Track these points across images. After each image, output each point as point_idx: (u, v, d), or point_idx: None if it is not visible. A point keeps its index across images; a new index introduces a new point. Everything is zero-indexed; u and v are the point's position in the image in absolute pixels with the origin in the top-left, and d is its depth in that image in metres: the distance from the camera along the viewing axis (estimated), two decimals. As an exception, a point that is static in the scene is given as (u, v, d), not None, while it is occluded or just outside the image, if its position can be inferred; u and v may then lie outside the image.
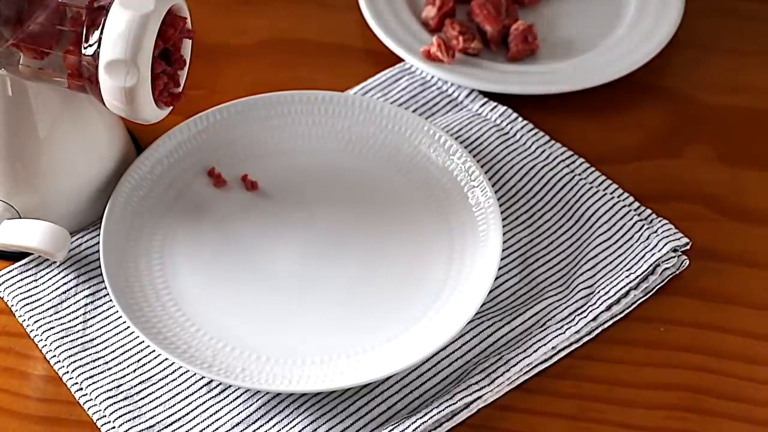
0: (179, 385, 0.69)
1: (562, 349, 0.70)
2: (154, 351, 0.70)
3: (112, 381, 0.69)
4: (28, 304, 0.72)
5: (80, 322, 0.71)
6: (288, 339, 0.70)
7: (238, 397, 0.68)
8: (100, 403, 0.68)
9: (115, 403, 0.68)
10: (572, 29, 0.90)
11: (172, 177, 0.77)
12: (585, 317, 0.71)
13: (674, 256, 0.73)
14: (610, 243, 0.75)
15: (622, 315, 0.72)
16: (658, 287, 0.73)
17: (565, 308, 0.71)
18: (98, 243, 0.73)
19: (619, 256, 0.74)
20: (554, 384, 0.69)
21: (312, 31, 0.92)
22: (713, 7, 0.93)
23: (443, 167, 0.78)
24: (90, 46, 0.64)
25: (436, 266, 0.73)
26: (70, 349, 0.70)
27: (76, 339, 0.71)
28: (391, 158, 0.79)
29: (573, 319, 0.71)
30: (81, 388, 0.69)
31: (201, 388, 0.69)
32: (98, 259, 0.74)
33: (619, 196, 0.77)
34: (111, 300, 0.72)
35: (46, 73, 0.67)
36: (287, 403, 0.68)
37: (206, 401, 0.68)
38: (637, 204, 0.77)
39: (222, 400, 0.68)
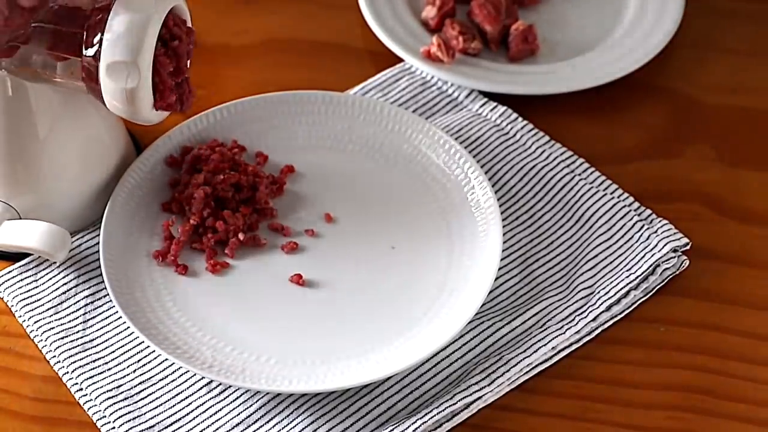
0: (179, 385, 0.69)
1: (562, 350, 0.70)
2: (154, 351, 0.70)
3: (112, 381, 0.69)
4: (28, 304, 0.72)
5: (80, 323, 0.71)
6: (288, 339, 0.70)
7: (238, 398, 0.68)
8: (100, 403, 0.68)
9: (115, 403, 0.68)
10: (572, 29, 0.90)
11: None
12: (585, 317, 0.71)
13: (674, 257, 0.73)
14: (610, 243, 0.75)
15: (622, 315, 0.72)
16: (658, 287, 0.73)
17: (565, 308, 0.71)
18: (98, 243, 0.73)
19: (619, 256, 0.74)
20: (554, 384, 0.69)
21: (312, 31, 0.92)
22: (713, 7, 0.93)
23: (443, 167, 0.78)
24: (91, 47, 0.64)
25: (437, 266, 0.73)
26: (70, 349, 0.70)
27: (76, 339, 0.71)
28: (391, 158, 0.79)
29: (573, 320, 0.71)
30: (81, 388, 0.69)
31: (201, 388, 0.69)
32: (98, 259, 0.74)
33: (619, 196, 0.77)
34: (111, 300, 0.72)
35: (46, 74, 0.67)
36: (287, 403, 0.68)
37: (206, 401, 0.68)
38: (637, 204, 0.77)
39: (222, 400, 0.68)
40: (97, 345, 0.70)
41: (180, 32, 0.67)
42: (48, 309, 0.72)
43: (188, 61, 0.69)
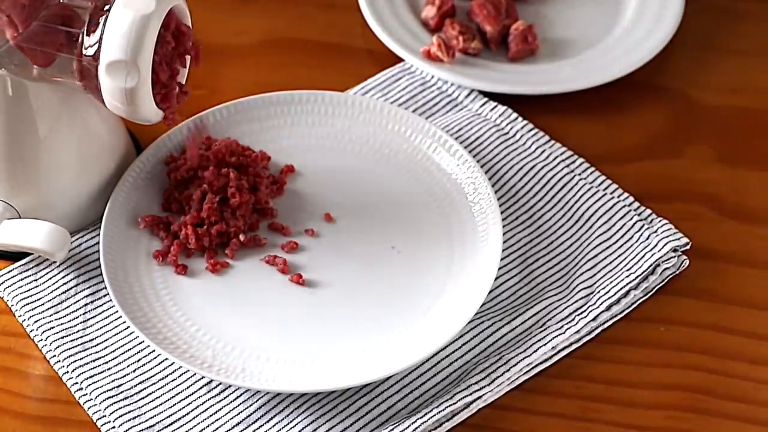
0: (179, 385, 0.69)
1: (562, 349, 0.70)
2: (154, 351, 0.70)
3: (112, 381, 0.69)
4: (28, 304, 0.72)
5: (80, 322, 0.71)
6: (288, 339, 0.70)
7: (238, 397, 0.68)
8: (100, 403, 0.68)
9: (115, 403, 0.68)
10: (572, 29, 0.90)
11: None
12: (585, 317, 0.71)
13: (674, 256, 0.73)
14: (610, 243, 0.75)
15: (622, 315, 0.72)
16: (658, 287, 0.73)
17: (565, 308, 0.71)
18: (98, 243, 0.73)
19: (619, 256, 0.74)
20: (554, 384, 0.69)
21: (312, 31, 0.92)
22: (713, 7, 0.94)
23: (443, 167, 0.78)
24: (90, 46, 0.64)
25: (437, 266, 0.73)
26: (70, 349, 0.70)
27: (76, 339, 0.71)
28: (391, 158, 0.79)
29: (573, 319, 0.71)
30: (81, 388, 0.69)
31: (201, 388, 0.69)
32: (98, 259, 0.74)
33: (619, 196, 0.77)
34: (111, 300, 0.72)
35: (47, 73, 0.67)
36: (287, 403, 0.68)
37: (206, 401, 0.68)
38: (637, 204, 0.77)
39: (222, 400, 0.68)
40: (97, 345, 0.70)
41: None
42: (48, 309, 0.72)
43: (184, 69, 0.69)
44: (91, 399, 0.68)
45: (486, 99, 0.84)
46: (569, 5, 0.93)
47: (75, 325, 0.71)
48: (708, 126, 0.85)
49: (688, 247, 0.74)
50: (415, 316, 0.70)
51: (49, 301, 0.72)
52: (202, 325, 0.70)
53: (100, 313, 0.72)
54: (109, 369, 0.69)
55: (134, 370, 0.69)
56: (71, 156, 0.74)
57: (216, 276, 0.73)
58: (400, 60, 0.88)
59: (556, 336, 0.70)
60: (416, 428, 0.65)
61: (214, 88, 0.86)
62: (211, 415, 0.67)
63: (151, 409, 0.68)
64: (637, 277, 0.72)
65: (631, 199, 0.77)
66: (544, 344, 0.69)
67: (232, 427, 0.67)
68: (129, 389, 0.68)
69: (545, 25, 0.90)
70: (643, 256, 0.73)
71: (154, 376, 0.69)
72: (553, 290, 0.73)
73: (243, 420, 0.67)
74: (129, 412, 0.67)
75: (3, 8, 0.64)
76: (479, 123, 0.82)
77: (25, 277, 0.74)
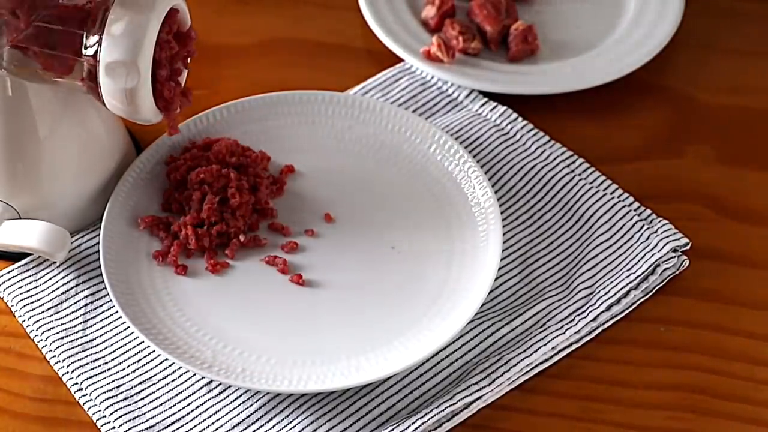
0: (179, 385, 0.69)
1: (562, 350, 0.70)
2: (154, 351, 0.70)
3: (112, 381, 0.69)
4: (28, 304, 0.72)
5: (80, 322, 0.71)
6: (288, 339, 0.70)
7: (238, 397, 0.68)
8: (100, 403, 0.68)
9: (115, 403, 0.68)
10: (572, 29, 0.90)
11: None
12: (585, 317, 0.71)
13: (674, 257, 0.73)
14: (610, 243, 0.75)
15: (622, 315, 0.72)
16: (658, 287, 0.73)
17: (565, 308, 0.71)
18: (98, 243, 0.73)
19: (619, 256, 0.74)
20: (554, 384, 0.69)
21: (312, 31, 0.92)
22: (713, 7, 0.94)
23: (443, 167, 0.78)
24: (90, 46, 0.64)
25: (437, 266, 0.73)
26: (70, 349, 0.70)
27: (76, 339, 0.71)
28: (391, 158, 0.79)
29: (573, 320, 0.71)
30: (81, 388, 0.69)
31: (201, 388, 0.69)
32: (98, 259, 0.74)
33: (619, 196, 0.77)
34: (111, 300, 0.72)
35: (46, 74, 0.67)
36: (287, 403, 0.68)
37: (206, 401, 0.68)
38: (637, 204, 0.77)
39: (222, 400, 0.68)
40: (97, 345, 0.70)
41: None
42: (48, 309, 0.72)
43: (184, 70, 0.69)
44: (91, 399, 0.68)
45: (486, 99, 0.84)
46: (569, 5, 0.93)
47: (75, 326, 0.71)
48: (708, 126, 0.85)
49: (688, 247, 0.74)
50: (415, 316, 0.70)
51: (49, 301, 0.72)
52: (202, 325, 0.70)
53: (100, 314, 0.72)
54: (109, 369, 0.69)
55: (134, 371, 0.69)
56: (71, 156, 0.74)
57: (216, 276, 0.73)
58: (400, 60, 0.88)
59: (556, 336, 0.70)
60: (416, 428, 0.65)
61: (214, 88, 0.86)
62: (211, 415, 0.67)
63: (151, 410, 0.68)
64: (637, 277, 0.72)
65: (631, 199, 0.77)
66: (544, 344, 0.69)
67: (232, 427, 0.67)
68: (129, 389, 0.68)
69: (545, 25, 0.90)
70: (643, 256, 0.73)
71: (154, 376, 0.69)
72: (553, 290, 0.73)
73: (243, 420, 0.67)
74: (129, 412, 0.67)
75: (2, 3, 0.64)
76: (479, 123, 0.82)
77: (25, 278, 0.74)
